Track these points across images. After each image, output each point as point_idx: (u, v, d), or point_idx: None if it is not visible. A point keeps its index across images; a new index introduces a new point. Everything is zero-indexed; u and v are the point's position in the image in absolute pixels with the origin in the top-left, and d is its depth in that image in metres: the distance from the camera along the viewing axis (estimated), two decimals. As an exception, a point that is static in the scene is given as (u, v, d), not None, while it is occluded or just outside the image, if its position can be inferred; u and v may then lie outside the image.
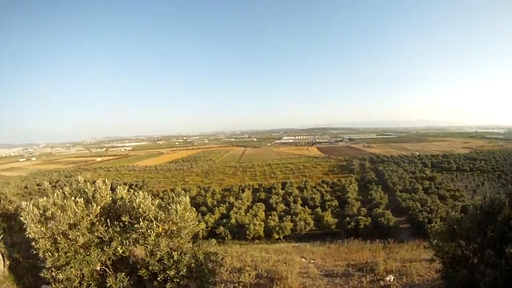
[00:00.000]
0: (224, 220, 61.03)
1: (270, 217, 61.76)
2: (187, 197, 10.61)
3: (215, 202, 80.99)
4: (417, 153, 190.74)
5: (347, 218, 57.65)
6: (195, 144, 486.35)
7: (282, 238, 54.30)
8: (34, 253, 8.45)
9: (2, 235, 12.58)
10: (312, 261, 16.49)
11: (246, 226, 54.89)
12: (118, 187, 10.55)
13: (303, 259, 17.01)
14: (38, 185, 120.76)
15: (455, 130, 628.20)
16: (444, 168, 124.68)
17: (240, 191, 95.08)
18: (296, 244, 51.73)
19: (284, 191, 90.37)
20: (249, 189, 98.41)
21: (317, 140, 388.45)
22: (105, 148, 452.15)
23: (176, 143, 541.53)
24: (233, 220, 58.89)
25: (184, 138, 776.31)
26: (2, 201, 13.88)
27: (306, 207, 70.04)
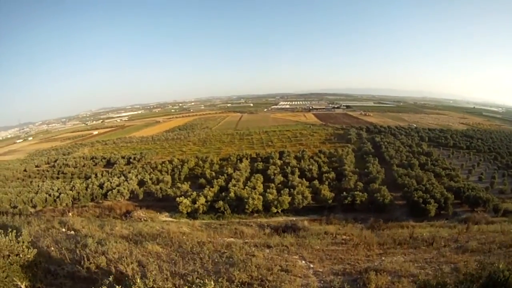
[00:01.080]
0: (223, 193, 62.13)
1: (268, 190, 63.15)
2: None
3: (214, 174, 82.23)
4: (414, 125, 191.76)
5: (344, 193, 59.03)
6: (191, 110, 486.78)
7: (280, 212, 55.63)
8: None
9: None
10: (311, 265, 17.19)
11: (245, 200, 56.00)
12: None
13: (303, 261, 17.73)
14: (37, 166, 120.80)
15: (453, 104, 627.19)
16: (441, 143, 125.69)
17: (238, 161, 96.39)
18: (294, 218, 53.18)
19: (281, 161, 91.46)
20: (246, 158, 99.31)
21: (314, 107, 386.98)
22: (101, 120, 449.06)
23: (172, 110, 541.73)
24: (232, 194, 59.83)
25: (180, 104, 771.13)
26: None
27: (304, 179, 71.28)
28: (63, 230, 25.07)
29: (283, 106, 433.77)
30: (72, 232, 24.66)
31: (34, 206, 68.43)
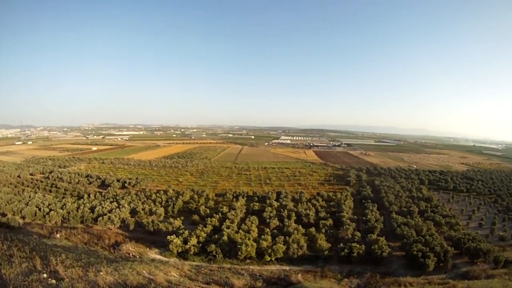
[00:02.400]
0: (216, 236, 60.77)
1: (263, 236, 61.80)
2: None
3: (208, 211, 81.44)
4: (414, 167, 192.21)
5: (341, 244, 57.58)
6: (193, 137, 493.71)
7: (274, 260, 54.33)
8: None
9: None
10: None
11: (238, 246, 54.67)
12: None
13: None
14: (31, 174, 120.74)
15: (453, 142, 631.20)
16: (441, 186, 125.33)
17: (234, 199, 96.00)
18: (287, 268, 51.95)
19: (278, 203, 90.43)
20: (243, 197, 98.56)
21: (314, 143, 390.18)
22: (102, 136, 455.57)
23: (174, 135, 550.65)
24: (225, 237, 58.59)
25: (182, 130, 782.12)
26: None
27: (300, 225, 70.08)
28: (44, 276, 24.15)
29: (284, 141, 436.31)
30: (54, 281, 23.75)
31: (23, 217, 68.84)
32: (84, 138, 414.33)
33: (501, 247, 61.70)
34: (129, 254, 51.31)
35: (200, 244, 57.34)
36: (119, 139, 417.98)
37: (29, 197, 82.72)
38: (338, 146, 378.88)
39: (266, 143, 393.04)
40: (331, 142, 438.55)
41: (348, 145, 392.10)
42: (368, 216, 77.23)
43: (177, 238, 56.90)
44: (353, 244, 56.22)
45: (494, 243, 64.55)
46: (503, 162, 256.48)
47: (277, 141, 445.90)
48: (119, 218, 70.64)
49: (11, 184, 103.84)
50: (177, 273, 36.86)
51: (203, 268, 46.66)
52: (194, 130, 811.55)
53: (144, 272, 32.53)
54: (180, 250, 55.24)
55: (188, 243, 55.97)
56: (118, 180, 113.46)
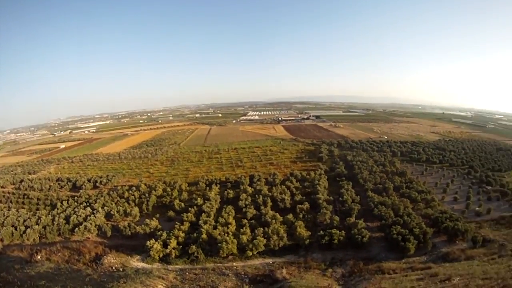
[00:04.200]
0: (195, 234, 60.88)
1: (241, 229, 62.37)
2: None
3: (183, 204, 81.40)
4: (385, 137, 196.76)
5: (321, 232, 58.63)
6: (160, 121, 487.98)
7: (256, 254, 54.51)
8: None
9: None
10: None
11: (219, 244, 54.90)
12: None
13: None
14: (2, 187, 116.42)
15: (421, 110, 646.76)
16: (414, 158, 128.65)
17: (207, 188, 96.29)
18: (271, 261, 52.26)
19: (252, 189, 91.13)
20: (216, 184, 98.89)
21: (283, 118, 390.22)
22: (69, 131, 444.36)
23: (141, 121, 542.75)
24: (204, 235, 58.84)
25: (149, 114, 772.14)
26: None
27: (277, 213, 70.66)
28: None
29: (252, 117, 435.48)
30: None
31: (1, 240, 67.79)
32: (51, 136, 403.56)
33: (477, 224, 64.35)
34: (111, 267, 50.98)
35: (180, 246, 57.24)
36: (86, 132, 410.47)
37: (4, 215, 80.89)
38: (307, 119, 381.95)
39: (234, 121, 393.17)
40: (299, 115, 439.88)
41: (317, 117, 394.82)
42: (345, 197, 78.98)
43: (156, 242, 56.66)
44: (333, 231, 57.48)
45: (470, 219, 67.31)
46: (473, 130, 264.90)
47: (245, 117, 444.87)
48: (95, 226, 70.21)
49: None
50: (164, 285, 36.36)
51: (187, 273, 46.69)
52: (161, 113, 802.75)
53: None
54: (161, 255, 55.10)
55: (168, 246, 55.92)
56: (89, 180, 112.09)
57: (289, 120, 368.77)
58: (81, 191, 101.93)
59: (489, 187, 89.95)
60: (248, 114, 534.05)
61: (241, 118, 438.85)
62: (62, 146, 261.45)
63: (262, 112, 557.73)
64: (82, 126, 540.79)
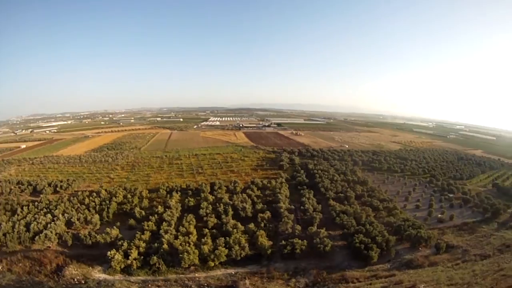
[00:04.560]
0: (156, 244, 59.46)
1: (203, 239, 61.35)
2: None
3: (143, 212, 79.62)
4: (347, 146, 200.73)
5: (283, 241, 58.54)
6: (121, 123, 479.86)
7: (218, 264, 53.28)
8: None
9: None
10: None
11: (180, 255, 53.68)
12: None
13: None
14: None
15: (382, 120, 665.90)
16: (375, 167, 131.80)
17: (168, 195, 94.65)
18: (233, 271, 51.01)
19: (213, 197, 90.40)
20: (176, 191, 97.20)
21: (244, 124, 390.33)
22: (31, 130, 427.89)
23: (102, 123, 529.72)
24: (165, 245, 57.53)
25: (110, 116, 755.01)
26: None
27: (239, 222, 69.93)
28: None
29: (213, 123, 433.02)
30: None
31: None
32: (12, 134, 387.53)
33: (440, 230, 66.40)
34: (73, 279, 49.41)
35: (142, 256, 55.80)
36: (47, 131, 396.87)
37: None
38: (268, 126, 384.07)
39: (195, 126, 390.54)
40: (261, 122, 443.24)
41: (278, 124, 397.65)
42: (306, 205, 79.49)
43: (117, 252, 54.99)
44: (295, 240, 57.36)
45: (433, 226, 69.35)
46: (434, 140, 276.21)
47: (206, 123, 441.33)
48: (55, 234, 67.30)
49: None
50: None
51: (149, 285, 45.67)
52: (123, 115, 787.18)
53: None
54: (122, 266, 53.50)
55: (130, 256, 54.44)
56: (49, 184, 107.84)
57: (250, 127, 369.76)
58: (41, 196, 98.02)
59: (451, 195, 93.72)
60: (210, 119, 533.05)
61: (203, 123, 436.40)
62: (23, 146, 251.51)
63: (223, 118, 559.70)
64: (43, 125, 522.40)
